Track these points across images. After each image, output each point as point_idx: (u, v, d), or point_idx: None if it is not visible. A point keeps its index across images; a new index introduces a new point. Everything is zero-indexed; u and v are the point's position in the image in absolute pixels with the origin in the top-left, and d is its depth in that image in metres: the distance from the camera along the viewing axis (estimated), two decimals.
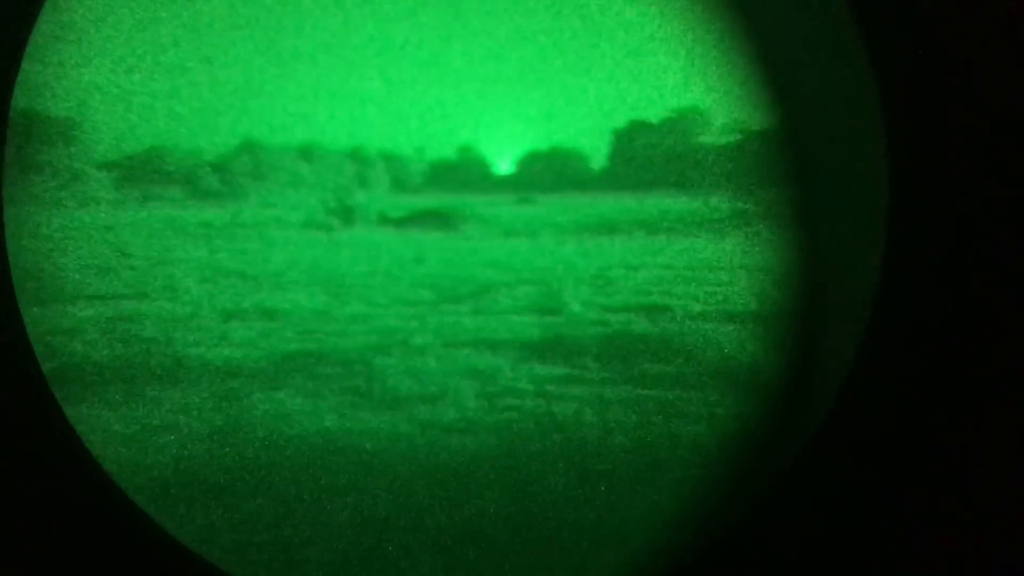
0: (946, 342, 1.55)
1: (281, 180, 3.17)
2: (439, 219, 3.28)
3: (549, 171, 2.92)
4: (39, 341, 2.82)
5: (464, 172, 3.28)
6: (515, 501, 2.15)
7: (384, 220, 3.27)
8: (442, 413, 2.60)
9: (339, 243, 3.04)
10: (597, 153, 2.79)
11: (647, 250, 2.72)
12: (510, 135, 2.91)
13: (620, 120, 2.68)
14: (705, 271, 2.54)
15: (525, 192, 3.16)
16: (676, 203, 2.62)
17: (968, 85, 1.55)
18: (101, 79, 3.07)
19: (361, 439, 2.47)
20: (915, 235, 1.56)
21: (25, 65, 3.05)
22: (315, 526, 2.27)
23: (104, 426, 2.41)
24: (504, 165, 3.00)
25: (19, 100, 3.09)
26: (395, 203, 3.29)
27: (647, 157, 2.67)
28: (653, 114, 2.59)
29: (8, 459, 1.74)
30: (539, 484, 2.18)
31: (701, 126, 2.56)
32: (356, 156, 3.13)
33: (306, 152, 3.26)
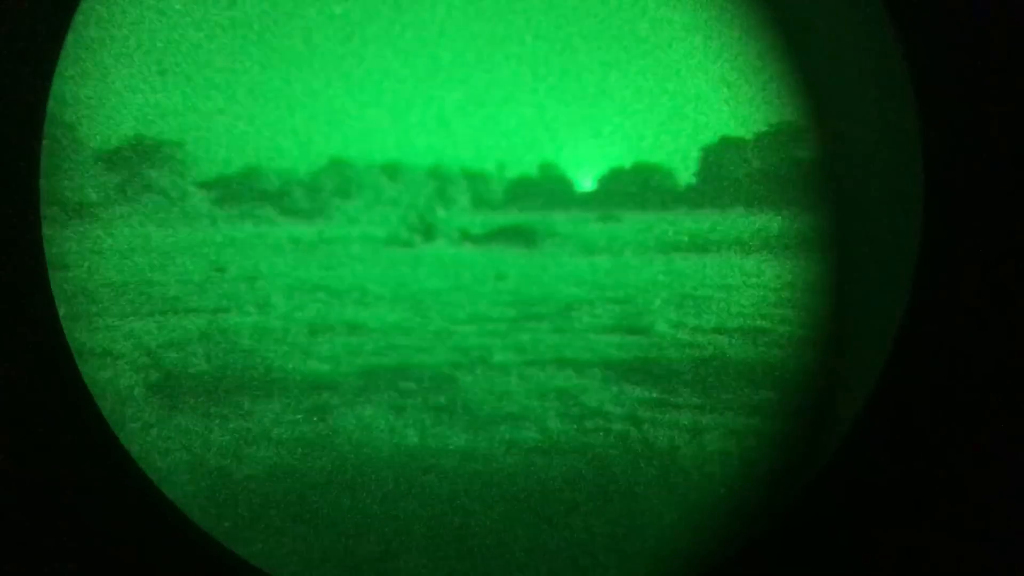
0: (978, 358, 1.59)
1: (366, 198, 3.27)
2: (520, 236, 3.26)
3: (633, 188, 2.84)
4: (145, 352, 3.02)
5: (545, 189, 3.26)
6: (607, 528, 2.07)
7: (465, 236, 3.29)
8: (525, 433, 2.56)
9: (421, 259, 3.08)
10: (684, 170, 2.69)
11: (740, 270, 2.59)
12: (592, 152, 2.87)
13: (709, 136, 2.58)
14: (803, 293, 2.38)
15: (608, 209, 3.09)
16: (770, 221, 2.48)
17: (1009, 111, 1.59)
18: (203, 104, 3.28)
19: (444, 456, 2.47)
20: (953, 250, 1.60)
21: (136, 94, 3.30)
22: (397, 542, 2.27)
23: (204, 434, 2.52)
24: (586, 182, 2.96)
25: (130, 126, 3.35)
26: (476, 220, 3.31)
27: (739, 174, 2.55)
28: (746, 130, 2.48)
29: (59, 478, 1.72)
30: (634, 512, 2.09)
31: (796, 141, 2.42)
32: (437, 174, 3.19)
33: (390, 170, 3.34)
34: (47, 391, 1.69)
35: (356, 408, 2.67)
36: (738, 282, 2.60)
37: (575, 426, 2.50)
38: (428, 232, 3.16)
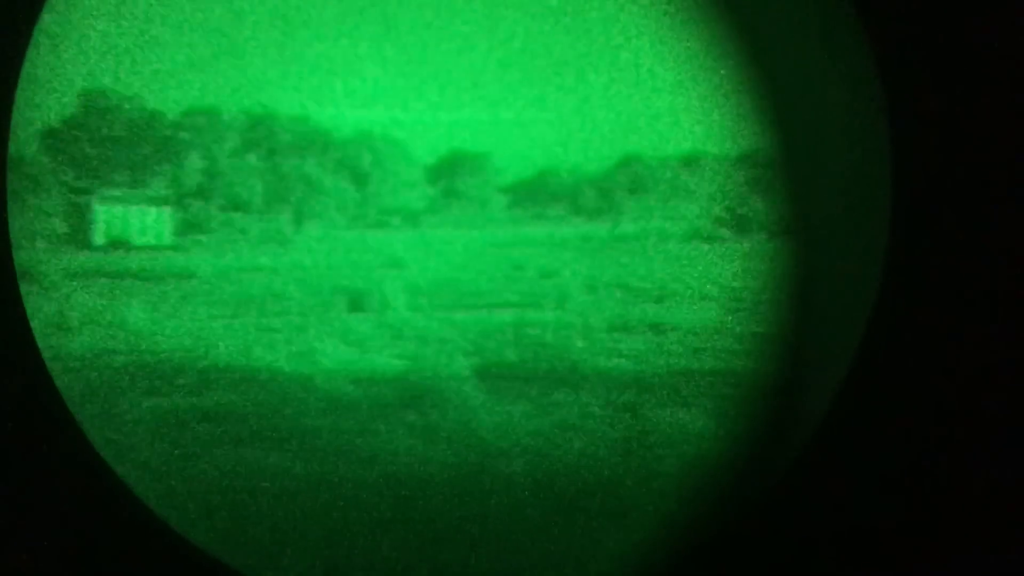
0: (943, 358, 1.62)
1: (660, 192, 3.25)
2: None
3: None
4: (467, 339, 3.50)
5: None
6: None
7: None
8: None
9: (731, 254, 2.91)
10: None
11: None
12: None
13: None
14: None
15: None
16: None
17: (978, 119, 1.59)
18: (505, 116, 3.68)
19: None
20: (920, 251, 1.64)
21: (450, 114, 3.85)
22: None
23: (523, 422, 2.77)
24: None
25: (447, 141, 3.93)
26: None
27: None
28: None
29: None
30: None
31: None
32: (748, 161, 2.98)
33: (689, 161, 3.26)
34: (21, 401, 1.76)
35: (669, 409, 2.63)
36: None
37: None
38: (740, 225, 2.95)
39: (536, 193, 3.83)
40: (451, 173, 3.97)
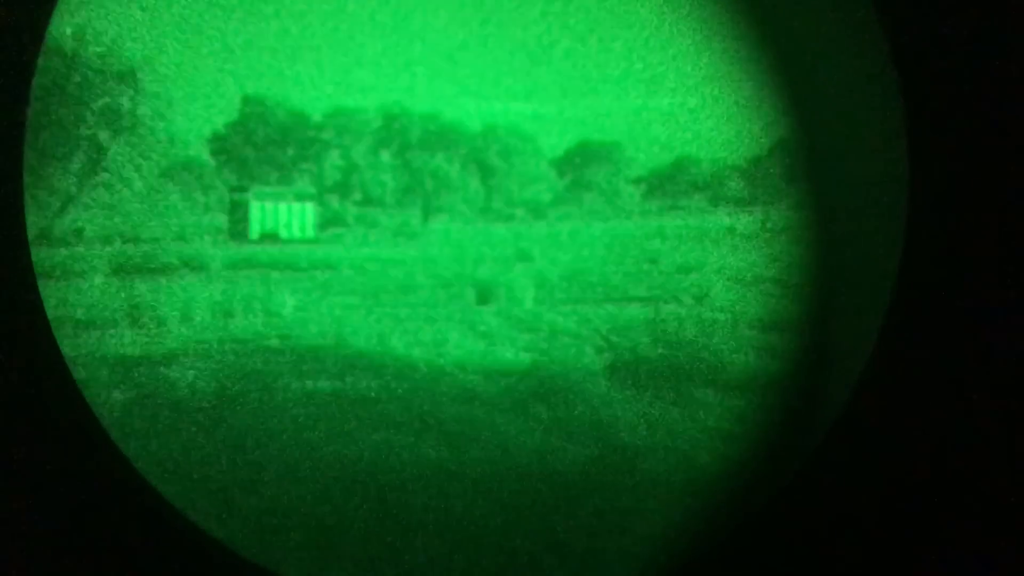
0: (960, 352, 1.70)
1: (832, 177, 3.00)
2: None
3: None
4: (599, 336, 3.52)
5: None
6: None
7: None
8: None
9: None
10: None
11: None
12: None
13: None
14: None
15: None
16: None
17: (994, 98, 1.68)
18: (638, 102, 3.64)
19: None
20: (933, 243, 1.75)
21: (580, 102, 3.89)
22: None
23: (661, 420, 2.73)
24: None
25: (574, 133, 3.97)
26: None
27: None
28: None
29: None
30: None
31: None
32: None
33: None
34: (41, 397, 1.85)
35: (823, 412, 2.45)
36: None
37: None
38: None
39: (672, 183, 3.74)
40: (580, 164, 4.00)
